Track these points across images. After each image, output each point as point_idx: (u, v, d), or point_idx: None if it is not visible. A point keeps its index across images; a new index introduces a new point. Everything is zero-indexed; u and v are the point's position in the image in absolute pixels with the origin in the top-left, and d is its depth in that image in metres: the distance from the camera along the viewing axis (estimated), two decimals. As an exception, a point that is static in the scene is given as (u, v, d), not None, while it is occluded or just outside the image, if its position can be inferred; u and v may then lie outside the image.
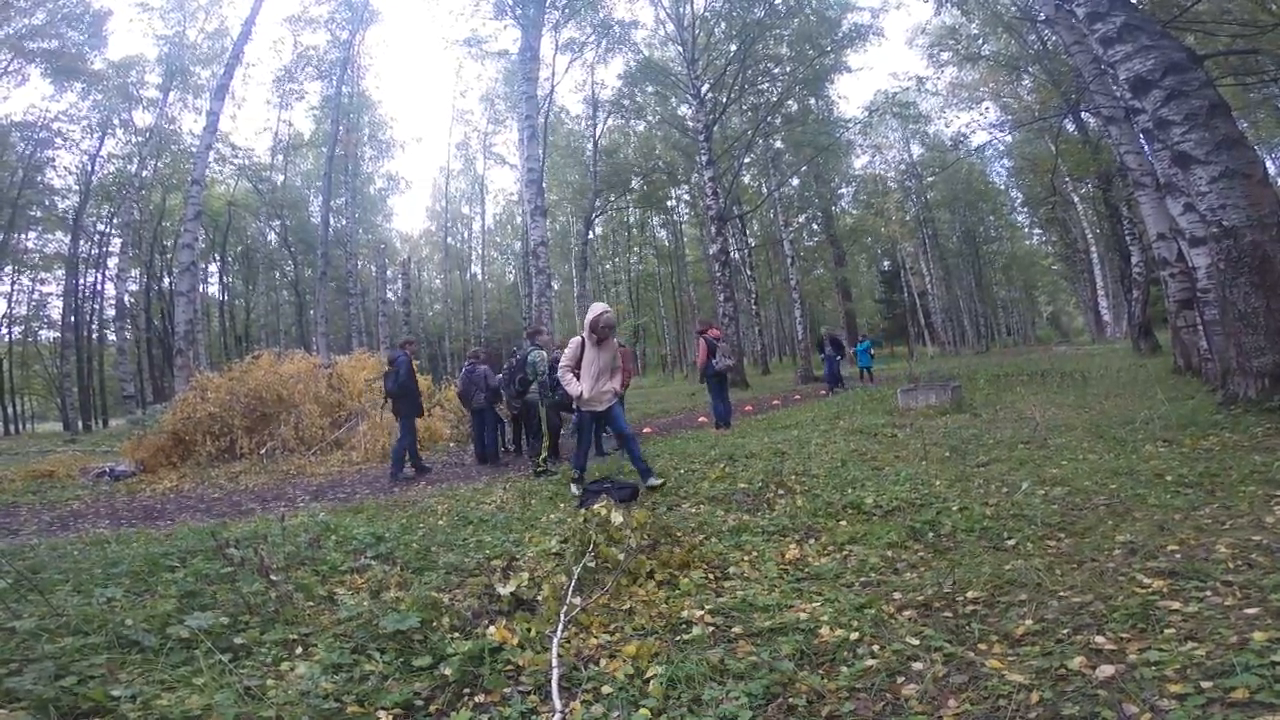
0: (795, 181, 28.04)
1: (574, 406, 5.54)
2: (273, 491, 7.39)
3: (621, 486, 4.89)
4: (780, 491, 4.44)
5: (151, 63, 24.08)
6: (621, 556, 2.94)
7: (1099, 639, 1.93)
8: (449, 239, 38.86)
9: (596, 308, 5.36)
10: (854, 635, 2.18)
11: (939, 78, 22.04)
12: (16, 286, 26.87)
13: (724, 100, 19.61)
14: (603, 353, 5.31)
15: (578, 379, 5.27)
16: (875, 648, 2.10)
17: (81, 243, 26.37)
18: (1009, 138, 27.24)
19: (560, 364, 5.36)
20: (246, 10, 17.25)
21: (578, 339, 5.37)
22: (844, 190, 33.42)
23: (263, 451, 9.49)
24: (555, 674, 2.01)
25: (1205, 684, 1.60)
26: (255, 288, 34.45)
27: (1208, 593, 2.11)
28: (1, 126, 21.88)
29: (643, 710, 1.84)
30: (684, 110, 22.73)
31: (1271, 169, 19.48)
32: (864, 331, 24.19)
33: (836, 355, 15.71)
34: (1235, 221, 5.02)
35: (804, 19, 19.12)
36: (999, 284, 39.38)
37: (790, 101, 22.03)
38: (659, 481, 4.99)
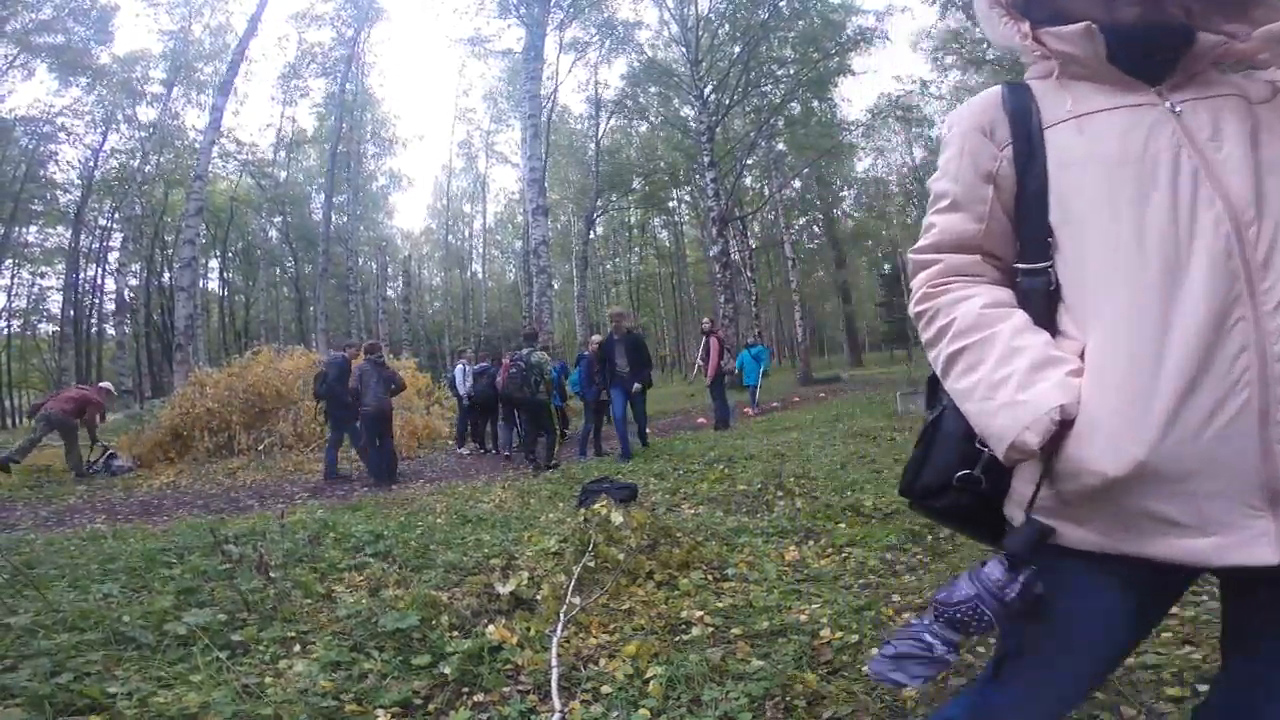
0: (797, 184, 27.99)
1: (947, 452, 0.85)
2: (271, 488, 7.38)
3: (621, 486, 4.88)
4: (779, 493, 4.44)
5: (156, 58, 24.06)
6: (621, 556, 2.93)
7: (1098, 643, 1.92)
8: (450, 237, 38.85)
9: None
10: (854, 637, 2.18)
11: (943, 81, 22.04)
12: (16, 280, 26.91)
13: (727, 102, 19.60)
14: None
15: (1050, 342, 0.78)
16: (875, 650, 2.10)
17: (82, 237, 26.37)
18: (1012, 142, 27.14)
19: (920, 265, 0.91)
20: (252, 6, 17.25)
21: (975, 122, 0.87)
22: (846, 193, 33.35)
23: (261, 448, 9.47)
24: (555, 673, 2.01)
25: (1201, 687, 1.60)
26: (256, 284, 34.44)
27: (1204, 596, 2.11)
28: (5, 121, 21.86)
29: (642, 710, 1.83)
30: (687, 111, 22.69)
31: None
32: (751, 335, 17.09)
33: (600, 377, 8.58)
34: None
35: (808, 22, 19.12)
36: (1000, 287, 39.31)
37: (793, 104, 22.01)
38: None
